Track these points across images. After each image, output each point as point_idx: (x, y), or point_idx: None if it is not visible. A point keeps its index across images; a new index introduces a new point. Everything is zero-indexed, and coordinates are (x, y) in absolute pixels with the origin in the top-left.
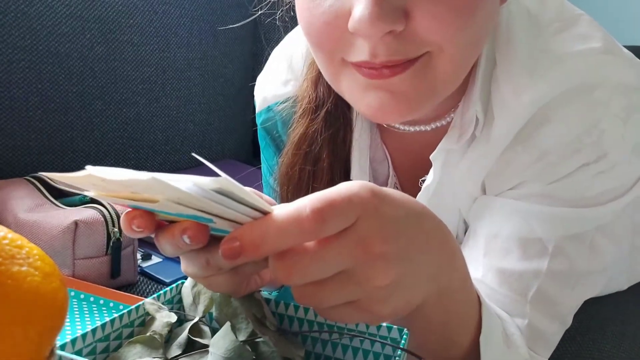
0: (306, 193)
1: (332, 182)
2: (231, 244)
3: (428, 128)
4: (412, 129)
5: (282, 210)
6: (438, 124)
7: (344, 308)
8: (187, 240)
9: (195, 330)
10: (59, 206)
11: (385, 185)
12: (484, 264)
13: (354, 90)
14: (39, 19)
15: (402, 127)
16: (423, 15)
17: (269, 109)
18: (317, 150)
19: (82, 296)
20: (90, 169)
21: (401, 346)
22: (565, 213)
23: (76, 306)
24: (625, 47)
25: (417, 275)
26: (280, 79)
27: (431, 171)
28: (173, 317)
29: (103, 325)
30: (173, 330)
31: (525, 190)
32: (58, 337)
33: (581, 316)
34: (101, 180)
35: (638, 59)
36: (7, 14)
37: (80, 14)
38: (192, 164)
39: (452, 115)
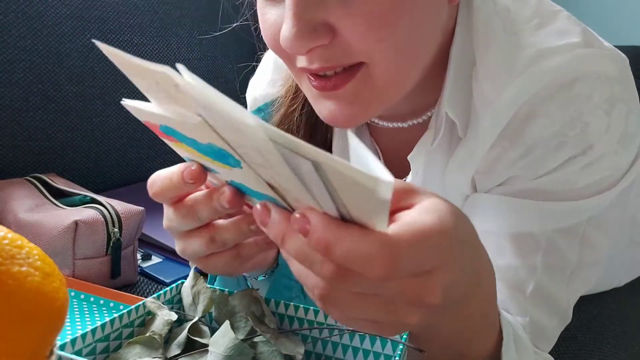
0: None
1: None
2: (303, 223)
3: (405, 125)
4: (389, 124)
5: (377, 231)
6: (415, 122)
7: (365, 323)
8: (224, 204)
9: (195, 330)
10: (59, 206)
11: None
12: None
13: (309, 96)
14: (39, 19)
15: (380, 123)
16: (345, 28)
17: (259, 109)
18: (294, 129)
19: (82, 296)
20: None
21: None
22: (555, 207)
23: (76, 306)
24: (625, 47)
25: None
26: (267, 80)
27: (411, 172)
28: (173, 316)
29: (103, 326)
30: (173, 330)
31: (514, 186)
32: (58, 337)
33: (582, 316)
34: (174, 85)
35: (618, 51)
36: (7, 14)
37: (81, 14)
38: None
39: (429, 113)
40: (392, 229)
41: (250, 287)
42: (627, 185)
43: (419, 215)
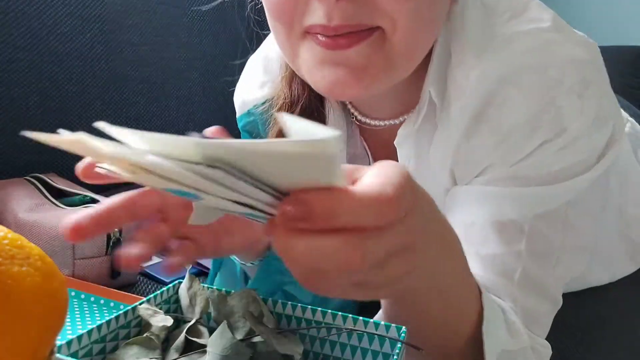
0: None
1: None
2: (299, 206)
3: (397, 121)
4: (382, 123)
5: (360, 186)
6: (406, 117)
7: (351, 288)
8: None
9: (193, 330)
10: (59, 206)
11: None
12: (466, 252)
13: (310, 63)
14: (38, 19)
15: (372, 122)
16: None
17: (249, 112)
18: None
19: (82, 296)
20: (82, 135)
21: (400, 342)
22: (533, 192)
23: (76, 306)
24: (625, 47)
25: (422, 268)
26: (256, 82)
27: (399, 160)
28: (169, 321)
29: (99, 327)
30: (171, 331)
31: (492, 175)
32: (58, 337)
33: (581, 313)
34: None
35: (588, 38)
36: (7, 14)
37: (80, 14)
38: None
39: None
40: (364, 182)
41: (250, 284)
42: (603, 170)
43: (377, 172)
